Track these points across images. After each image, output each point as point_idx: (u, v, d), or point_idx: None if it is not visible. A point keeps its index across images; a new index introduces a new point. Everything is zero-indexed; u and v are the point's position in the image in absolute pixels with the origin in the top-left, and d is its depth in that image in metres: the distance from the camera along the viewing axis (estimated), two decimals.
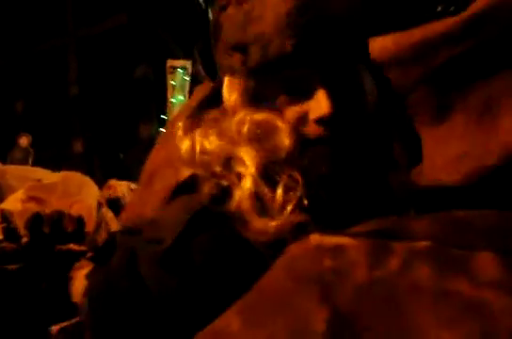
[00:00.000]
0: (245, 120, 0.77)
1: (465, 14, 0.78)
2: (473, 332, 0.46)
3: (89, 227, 2.54)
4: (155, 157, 1.17)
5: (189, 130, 0.81)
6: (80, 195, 2.60)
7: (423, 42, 0.83)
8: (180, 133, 0.82)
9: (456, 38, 0.78)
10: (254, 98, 0.78)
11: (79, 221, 2.47)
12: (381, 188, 0.76)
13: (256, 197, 0.72)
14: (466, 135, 0.86)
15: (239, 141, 0.76)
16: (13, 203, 2.40)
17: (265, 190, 0.72)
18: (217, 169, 0.76)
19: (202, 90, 0.99)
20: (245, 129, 0.77)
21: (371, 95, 0.79)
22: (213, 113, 0.82)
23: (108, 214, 2.95)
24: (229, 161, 0.76)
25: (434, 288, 0.50)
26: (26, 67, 12.24)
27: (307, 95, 0.76)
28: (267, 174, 0.74)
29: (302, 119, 0.76)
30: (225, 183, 0.75)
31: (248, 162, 0.74)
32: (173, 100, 6.23)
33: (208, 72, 0.87)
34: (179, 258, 0.72)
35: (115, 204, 3.57)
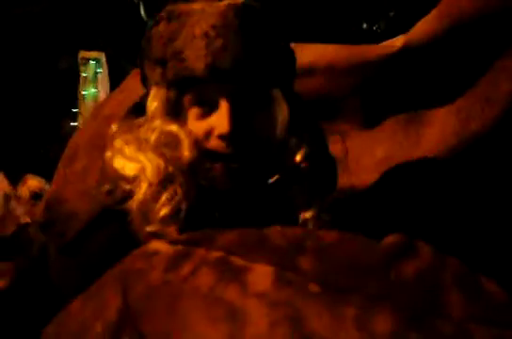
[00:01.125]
0: (155, 128, 0.85)
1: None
2: (228, 332, 0.54)
3: None
4: (78, 138, 1.24)
5: (119, 134, 0.88)
6: None
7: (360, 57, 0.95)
8: (112, 134, 0.89)
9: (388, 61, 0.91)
10: (172, 108, 0.86)
11: None
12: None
13: (142, 203, 0.81)
14: (393, 140, 0.97)
15: (146, 148, 0.84)
16: None
17: (151, 199, 0.81)
18: (129, 174, 0.84)
19: (102, 111, 1.09)
20: (153, 137, 0.85)
21: (280, 118, 0.87)
22: (139, 120, 0.89)
23: (19, 208, 2.91)
24: (137, 169, 0.83)
25: (210, 294, 0.58)
26: None
27: (214, 110, 0.84)
28: (163, 183, 0.82)
29: (208, 133, 0.84)
30: (128, 187, 0.84)
31: (150, 170, 0.82)
32: (84, 92, 6.08)
33: (142, 80, 0.92)
34: (77, 248, 0.83)
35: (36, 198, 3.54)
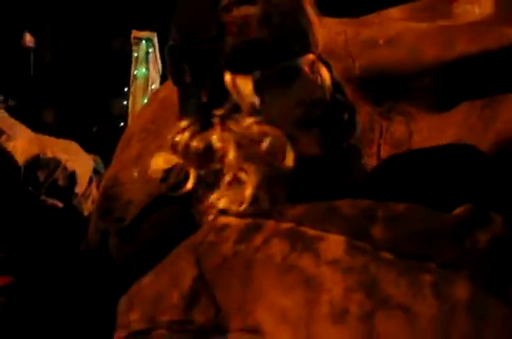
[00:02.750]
0: (249, 124, 0.85)
1: None
2: (303, 299, 0.56)
3: (79, 189, 2.61)
4: (133, 124, 1.28)
5: (193, 129, 0.87)
6: (77, 156, 2.70)
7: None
8: (182, 131, 0.87)
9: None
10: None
11: (71, 177, 2.53)
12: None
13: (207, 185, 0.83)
14: (465, 124, 0.97)
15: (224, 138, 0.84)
16: (20, 143, 2.41)
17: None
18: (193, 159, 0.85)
19: (159, 95, 1.12)
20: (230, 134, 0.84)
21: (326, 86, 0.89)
22: (219, 111, 0.87)
23: (94, 190, 3.02)
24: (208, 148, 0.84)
25: (283, 263, 0.60)
26: None
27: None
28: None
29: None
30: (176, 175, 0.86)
31: (230, 148, 0.82)
32: (136, 72, 6.14)
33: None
34: (134, 231, 0.87)
35: None
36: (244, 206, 0.78)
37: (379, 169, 0.94)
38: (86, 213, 2.58)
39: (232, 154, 0.83)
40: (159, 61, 6.28)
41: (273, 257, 0.60)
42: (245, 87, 0.86)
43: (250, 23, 0.83)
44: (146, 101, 5.98)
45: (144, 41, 6.20)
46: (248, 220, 0.68)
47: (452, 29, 1.00)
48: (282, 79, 0.86)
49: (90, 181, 2.78)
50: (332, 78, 0.93)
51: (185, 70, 0.88)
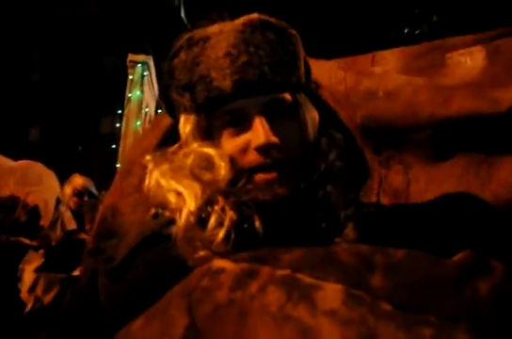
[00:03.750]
0: (190, 153, 0.89)
1: None
2: None
3: (45, 221, 2.46)
4: (135, 150, 1.28)
5: (155, 165, 0.91)
6: (39, 186, 2.49)
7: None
8: (149, 166, 0.93)
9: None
10: (205, 131, 0.90)
11: (33, 212, 2.40)
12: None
13: (186, 230, 0.83)
14: (462, 178, 0.98)
15: (181, 175, 0.87)
16: None
17: (195, 226, 0.83)
18: (168, 203, 0.87)
19: (164, 121, 1.13)
20: (188, 162, 0.88)
21: (310, 124, 0.92)
22: (172, 148, 0.94)
23: (67, 213, 2.93)
24: (176, 196, 0.86)
25: (279, 313, 0.58)
26: None
27: (248, 126, 0.87)
28: (203, 208, 0.84)
29: (244, 149, 0.87)
30: (171, 215, 0.86)
31: (188, 197, 0.84)
32: (130, 95, 6.25)
33: (168, 110, 0.97)
34: (124, 271, 0.85)
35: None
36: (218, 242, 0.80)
37: (376, 215, 0.94)
38: (53, 243, 2.48)
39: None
40: (155, 84, 6.37)
41: (269, 306, 0.59)
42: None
43: None
44: (139, 123, 6.04)
45: (140, 65, 6.31)
46: (244, 265, 0.67)
47: (448, 89, 1.02)
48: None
49: (57, 204, 2.63)
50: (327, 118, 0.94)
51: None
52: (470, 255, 0.62)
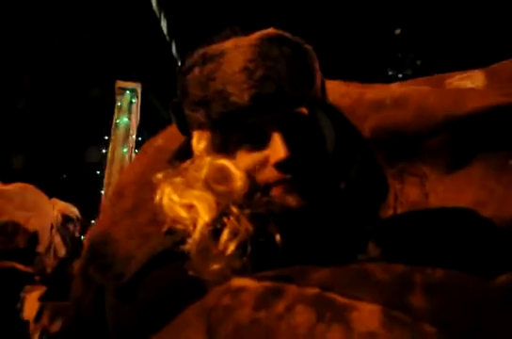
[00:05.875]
0: (204, 165, 0.86)
1: None
2: None
3: (41, 248, 2.36)
4: (126, 175, 1.23)
5: (167, 180, 0.88)
6: (36, 211, 2.39)
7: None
8: (160, 183, 0.89)
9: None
10: (220, 147, 0.87)
11: (33, 239, 2.30)
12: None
13: (200, 243, 0.79)
14: (484, 186, 0.94)
15: (195, 187, 0.84)
16: None
17: (210, 238, 0.79)
18: (182, 217, 0.83)
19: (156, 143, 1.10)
20: (202, 174, 0.85)
21: (329, 138, 0.88)
22: (185, 163, 0.90)
23: (56, 237, 2.84)
24: (189, 209, 0.83)
25: (309, 334, 0.54)
26: None
27: (266, 141, 0.84)
28: (218, 220, 0.80)
29: (261, 164, 0.84)
30: (185, 229, 0.82)
31: (201, 209, 0.81)
32: (117, 121, 6.25)
33: (180, 127, 0.94)
34: (134, 289, 0.81)
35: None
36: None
37: (397, 231, 0.90)
38: (49, 270, 2.39)
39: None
40: (139, 111, 6.40)
41: (298, 327, 0.55)
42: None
43: None
44: (126, 150, 6.01)
45: (128, 92, 6.33)
46: (267, 283, 0.62)
47: (456, 91, 1.01)
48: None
49: (50, 230, 2.53)
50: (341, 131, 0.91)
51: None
52: None
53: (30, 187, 2.53)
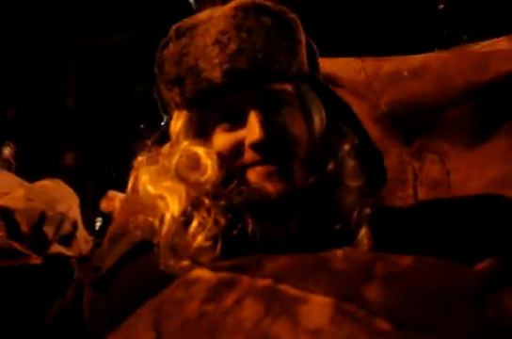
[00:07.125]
0: (176, 152, 0.82)
1: None
2: None
3: (80, 232, 2.61)
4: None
5: (144, 167, 0.86)
6: (69, 201, 2.63)
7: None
8: (138, 168, 0.87)
9: None
10: (197, 128, 0.83)
11: (74, 225, 2.52)
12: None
13: (167, 236, 0.76)
14: (508, 158, 0.87)
15: (167, 176, 0.80)
16: (13, 201, 2.34)
17: (180, 230, 0.76)
18: (151, 207, 0.81)
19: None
20: (173, 162, 0.81)
21: (316, 118, 0.82)
22: (163, 148, 0.87)
23: (83, 235, 2.99)
24: (162, 200, 0.80)
25: (254, 330, 0.48)
26: (24, 75, 12.29)
27: (243, 121, 0.78)
28: (189, 212, 0.77)
29: (238, 146, 0.79)
30: (153, 220, 0.80)
31: (171, 202, 0.77)
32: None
33: (162, 108, 0.90)
34: (109, 281, 0.79)
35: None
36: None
37: (397, 220, 0.83)
38: (84, 253, 2.58)
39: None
40: None
41: (244, 322, 0.49)
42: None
43: None
44: None
45: None
46: (222, 274, 0.57)
47: (479, 54, 0.91)
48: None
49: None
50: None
51: None
52: (495, 264, 0.50)
53: (58, 181, 2.73)
